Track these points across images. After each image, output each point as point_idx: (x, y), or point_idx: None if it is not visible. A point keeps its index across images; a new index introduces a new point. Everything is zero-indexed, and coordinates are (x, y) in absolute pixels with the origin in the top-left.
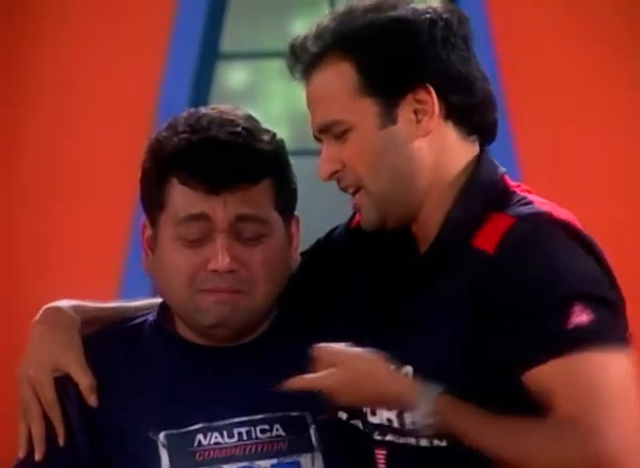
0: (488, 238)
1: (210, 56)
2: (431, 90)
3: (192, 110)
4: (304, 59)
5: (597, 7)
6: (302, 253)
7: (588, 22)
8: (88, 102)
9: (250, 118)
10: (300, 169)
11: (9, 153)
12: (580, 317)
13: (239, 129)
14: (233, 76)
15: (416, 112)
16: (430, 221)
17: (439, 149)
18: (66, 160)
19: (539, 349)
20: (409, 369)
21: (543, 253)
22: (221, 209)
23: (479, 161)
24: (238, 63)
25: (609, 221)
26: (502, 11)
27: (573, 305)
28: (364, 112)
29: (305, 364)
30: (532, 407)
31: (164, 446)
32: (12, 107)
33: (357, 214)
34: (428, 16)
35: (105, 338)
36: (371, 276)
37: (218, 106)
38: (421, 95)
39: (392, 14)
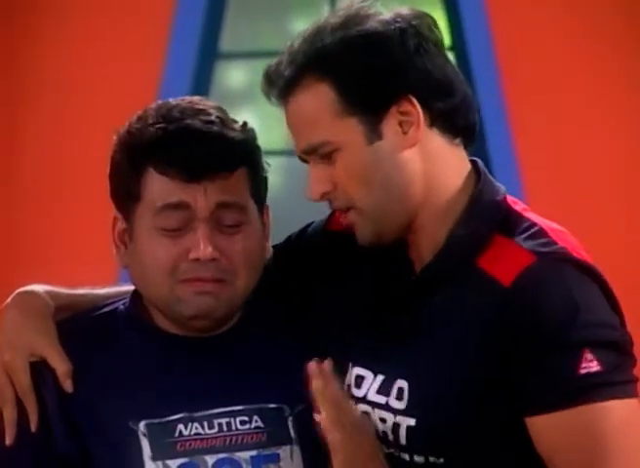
0: (502, 267)
1: (209, 55)
2: (413, 100)
3: (161, 102)
4: (280, 84)
5: (597, 7)
6: (273, 247)
7: (588, 22)
8: (88, 102)
9: (220, 108)
10: (298, 168)
11: (9, 153)
12: (590, 365)
13: (213, 117)
14: (232, 76)
15: (401, 124)
16: (428, 235)
17: (427, 157)
18: (66, 160)
19: (546, 396)
20: (403, 383)
21: (562, 295)
22: (202, 197)
23: (480, 180)
24: (237, 63)
25: (609, 221)
26: (503, 11)
27: (583, 352)
28: (349, 131)
29: (282, 354)
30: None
31: (145, 435)
32: (12, 107)
33: (336, 217)
34: (398, 25)
35: (79, 326)
36: (358, 282)
37: (186, 97)
38: (404, 106)
39: (361, 28)
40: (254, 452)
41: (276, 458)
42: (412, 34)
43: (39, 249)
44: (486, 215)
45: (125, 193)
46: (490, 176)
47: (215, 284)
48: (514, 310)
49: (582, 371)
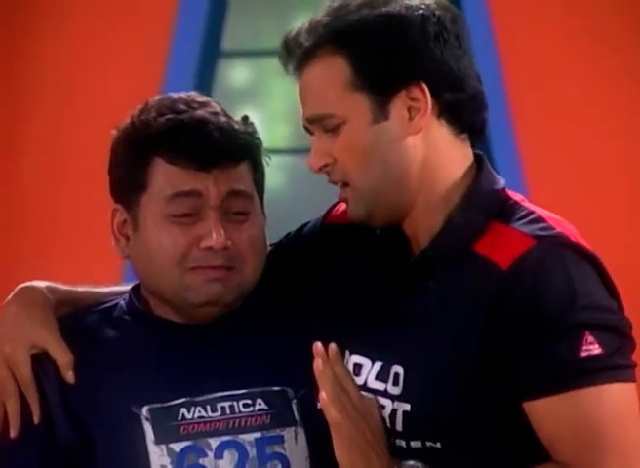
0: (500, 251)
1: (211, 54)
2: (425, 87)
3: (162, 96)
4: (297, 53)
5: (597, 6)
6: (271, 245)
7: (589, 21)
8: (89, 102)
9: (218, 102)
10: (301, 166)
11: (9, 153)
12: (591, 347)
13: (218, 109)
14: (235, 74)
15: (409, 109)
16: (426, 222)
17: (430, 147)
18: (67, 160)
19: (547, 379)
20: (399, 368)
21: (561, 278)
22: (213, 185)
23: (480, 170)
24: (239, 61)
25: (612, 220)
26: (504, 10)
27: (584, 334)
28: (356, 107)
29: (283, 341)
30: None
31: (147, 419)
32: (12, 107)
33: (334, 211)
34: (421, 11)
35: (80, 319)
36: (355, 271)
37: (184, 93)
38: (415, 92)
39: (385, 9)
40: (258, 434)
41: (280, 440)
42: (433, 23)
43: (39, 249)
44: (483, 204)
45: (128, 184)
46: (491, 169)
47: (223, 272)
48: (513, 294)
49: (584, 354)
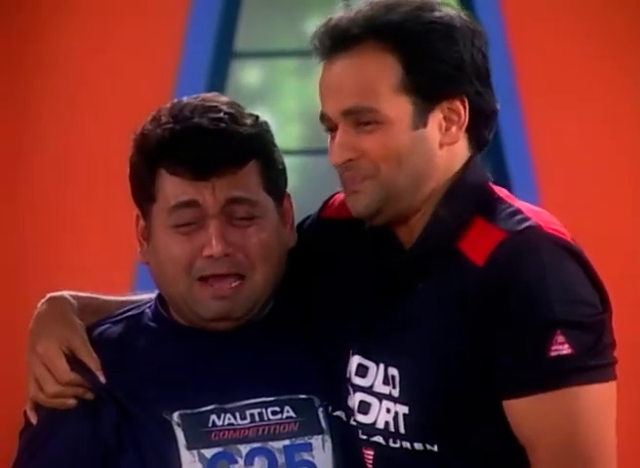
0: (477, 248)
1: (224, 54)
2: (466, 101)
3: (175, 101)
4: (341, 39)
5: (611, 7)
6: None
7: (604, 22)
8: (102, 103)
9: (232, 103)
10: (313, 167)
11: (17, 153)
12: (561, 347)
13: (221, 114)
14: (248, 75)
15: (445, 119)
16: (416, 221)
17: (452, 156)
18: (78, 161)
19: (516, 379)
20: (394, 370)
21: (534, 271)
22: (210, 194)
23: (467, 164)
24: (252, 62)
25: (620, 224)
26: (518, 11)
27: (554, 333)
28: (399, 109)
29: (309, 346)
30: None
31: (179, 425)
32: (21, 107)
33: (330, 205)
34: (471, 26)
35: (107, 328)
36: (354, 271)
37: (200, 95)
38: (456, 104)
39: (439, 15)
40: (287, 442)
41: (309, 448)
42: (479, 37)
43: (50, 251)
44: (466, 197)
45: (142, 194)
46: (477, 163)
47: (231, 287)
48: (488, 290)
49: (552, 354)
